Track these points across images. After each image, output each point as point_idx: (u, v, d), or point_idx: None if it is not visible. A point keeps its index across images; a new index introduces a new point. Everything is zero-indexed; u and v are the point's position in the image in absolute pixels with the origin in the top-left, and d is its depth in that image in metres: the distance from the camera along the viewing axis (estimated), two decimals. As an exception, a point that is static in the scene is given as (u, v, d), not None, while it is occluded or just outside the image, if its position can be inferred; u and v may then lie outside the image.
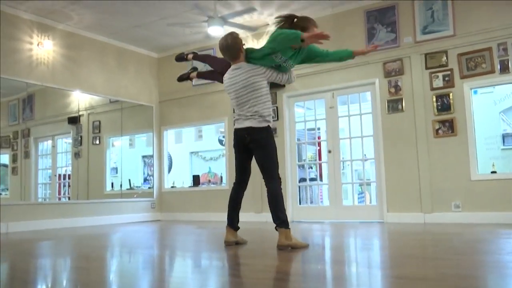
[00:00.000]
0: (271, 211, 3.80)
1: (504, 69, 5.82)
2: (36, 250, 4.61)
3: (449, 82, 6.13)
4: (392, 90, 6.51)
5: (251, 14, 7.03)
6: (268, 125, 3.90)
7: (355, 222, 6.58)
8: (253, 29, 7.37)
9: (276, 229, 3.77)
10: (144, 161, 9.42)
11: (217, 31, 6.69)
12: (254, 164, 4.01)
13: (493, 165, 6.08)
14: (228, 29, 7.41)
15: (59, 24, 7.29)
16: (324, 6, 6.95)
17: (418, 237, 4.79)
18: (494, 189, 5.77)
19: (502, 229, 4.95)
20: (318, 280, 2.68)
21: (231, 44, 3.91)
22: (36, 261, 3.77)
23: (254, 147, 3.91)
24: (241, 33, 7.61)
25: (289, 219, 3.84)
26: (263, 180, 3.91)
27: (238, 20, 6.99)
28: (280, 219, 3.75)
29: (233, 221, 4.10)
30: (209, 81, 7.47)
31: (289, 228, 3.74)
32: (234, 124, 4.03)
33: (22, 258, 3.93)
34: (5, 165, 7.43)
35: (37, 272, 3.21)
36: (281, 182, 3.90)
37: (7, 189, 7.44)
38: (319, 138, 8.07)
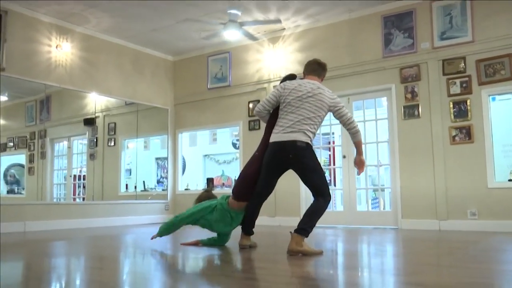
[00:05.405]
0: (303, 217, 3.77)
1: (523, 76, 5.74)
2: (51, 250, 4.66)
3: (466, 88, 6.06)
4: (409, 96, 6.46)
5: (267, 18, 7.04)
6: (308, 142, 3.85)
7: (369, 227, 6.54)
8: (277, 21, 7.16)
9: (291, 233, 3.73)
10: (158, 163, 9.47)
11: (234, 35, 6.71)
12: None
13: (510, 173, 5.98)
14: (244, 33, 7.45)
15: (78, 27, 7.38)
16: (341, 11, 6.93)
17: (433, 244, 4.74)
18: (511, 197, 5.68)
19: (520, 238, 4.88)
20: (332, 285, 2.67)
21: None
22: (51, 261, 3.81)
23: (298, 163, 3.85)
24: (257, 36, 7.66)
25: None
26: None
27: (255, 24, 7.00)
28: (302, 227, 3.69)
29: (249, 226, 4.11)
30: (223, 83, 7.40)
31: (302, 237, 3.68)
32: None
33: (37, 257, 3.97)
34: (22, 165, 7.53)
35: (52, 271, 3.24)
36: (330, 200, 3.82)
37: (23, 189, 7.55)
38: (333, 143, 8.04)
